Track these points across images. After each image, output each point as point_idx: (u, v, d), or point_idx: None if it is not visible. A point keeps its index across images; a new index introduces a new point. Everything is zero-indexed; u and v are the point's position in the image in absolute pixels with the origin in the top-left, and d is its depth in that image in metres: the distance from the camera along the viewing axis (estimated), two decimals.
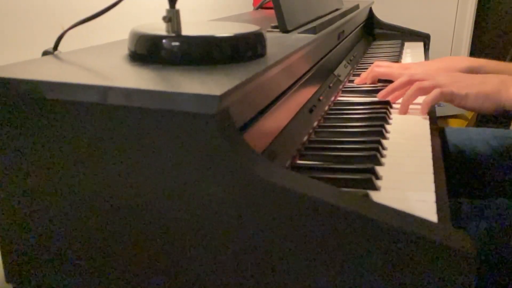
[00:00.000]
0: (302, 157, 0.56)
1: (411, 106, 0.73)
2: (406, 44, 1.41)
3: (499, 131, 0.89)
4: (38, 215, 0.45)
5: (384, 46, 1.35)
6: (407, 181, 0.49)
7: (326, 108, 0.74)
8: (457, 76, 0.69)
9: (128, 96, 0.38)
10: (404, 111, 0.71)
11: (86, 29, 0.56)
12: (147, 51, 0.48)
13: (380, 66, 0.87)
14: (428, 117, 0.70)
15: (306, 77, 0.67)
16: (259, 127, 0.47)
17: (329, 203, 0.34)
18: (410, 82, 0.72)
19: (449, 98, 0.66)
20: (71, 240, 0.45)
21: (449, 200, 0.45)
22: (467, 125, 1.78)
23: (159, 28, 0.49)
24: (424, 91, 0.69)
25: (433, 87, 0.68)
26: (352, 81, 0.90)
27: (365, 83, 0.88)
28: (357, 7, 1.23)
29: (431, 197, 0.45)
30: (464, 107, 0.66)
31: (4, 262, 0.49)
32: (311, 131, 0.64)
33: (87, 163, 0.41)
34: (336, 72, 0.89)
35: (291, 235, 0.36)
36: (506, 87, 0.63)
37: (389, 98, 0.76)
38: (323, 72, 0.80)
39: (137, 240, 0.42)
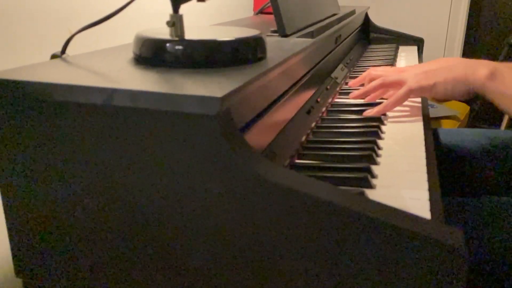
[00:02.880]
0: (300, 156, 0.56)
1: (402, 109, 0.72)
2: (401, 47, 1.41)
3: (490, 131, 0.89)
4: (46, 212, 0.45)
5: (380, 49, 1.35)
6: (402, 180, 0.49)
7: (324, 109, 0.74)
8: (422, 67, 0.68)
9: (133, 98, 0.38)
10: (357, 96, 0.70)
11: (93, 34, 0.56)
12: (151, 54, 0.48)
13: (376, 70, 0.87)
14: (421, 118, 0.70)
15: (304, 79, 0.67)
16: (259, 127, 0.47)
17: (327, 201, 0.34)
18: (382, 86, 0.72)
19: (420, 92, 0.65)
20: (78, 236, 0.45)
21: (442, 198, 0.45)
22: (459, 126, 1.78)
23: (163, 32, 0.49)
24: (389, 85, 0.69)
25: (399, 82, 0.67)
26: (347, 84, 0.90)
27: (359, 86, 0.88)
28: (353, 12, 1.23)
29: (425, 195, 0.45)
30: (436, 98, 0.64)
31: (14, 257, 0.49)
32: (309, 131, 0.64)
33: (94, 162, 0.41)
34: (333, 75, 0.89)
35: (290, 232, 0.36)
36: (472, 70, 0.61)
37: (362, 99, 0.75)
38: (320, 75, 0.80)
39: (140, 237, 0.42)
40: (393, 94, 0.68)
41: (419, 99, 0.80)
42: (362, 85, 0.88)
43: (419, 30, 2.01)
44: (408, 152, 0.57)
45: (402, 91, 0.66)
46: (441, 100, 0.66)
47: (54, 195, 0.44)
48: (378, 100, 0.75)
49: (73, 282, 0.47)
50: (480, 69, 0.61)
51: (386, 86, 0.71)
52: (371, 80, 0.85)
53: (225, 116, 0.37)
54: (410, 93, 0.65)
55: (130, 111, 0.38)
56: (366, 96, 0.74)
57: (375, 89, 0.72)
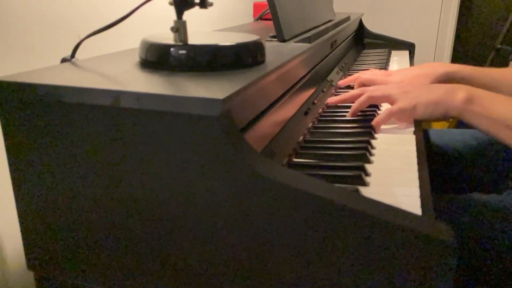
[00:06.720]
0: (298, 155, 0.56)
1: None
2: (393, 52, 1.41)
3: (478, 132, 0.89)
4: (57, 208, 0.45)
5: (373, 54, 1.34)
6: (394, 178, 0.49)
7: (320, 110, 0.74)
8: (406, 88, 0.66)
9: (139, 99, 0.38)
10: (351, 115, 0.69)
11: (101, 39, 0.56)
12: (156, 58, 0.48)
13: (365, 74, 0.86)
14: (412, 119, 0.70)
15: (302, 82, 0.67)
16: (258, 128, 0.47)
17: (323, 198, 0.34)
18: (370, 101, 0.70)
19: (399, 115, 0.64)
20: (87, 230, 0.45)
21: (432, 195, 0.45)
22: (449, 127, 1.78)
23: (168, 37, 0.49)
24: (374, 99, 0.68)
25: (383, 97, 0.66)
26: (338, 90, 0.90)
27: (348, 85, 0.88)
28: (348, 18, 1.23)
29: (416, 192, 0.45)
30: (415, 118, 0.64)
31: (25, 251, 0.49)
32: (306, 131, 0.64)
33: (101, 161, 0.41)
34: (329, 78, 0.89)
35: (288, 227, 0.36)
36: (451, 95, 0.61)
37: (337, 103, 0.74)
38: (317, 78, 0.80)
39: (144, 232, 0.42)
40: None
41: None
42: (349, 87, 0.88)
43: (411, 35, 2.01)
44: (400, 151, 0.57)
45: (384, 114, 0.64)
46: (420, 120, 0.65)
47: (64, 191, 0.44)
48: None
49: (83, 275, 0.47)
50: (458, 93, 0.61)
51: (374, 101, 0.70)
52: (360, 84, 0.83)
53: (226, 117, 0.37)
54: (391, 115, 0.64)
55: (136, 112, 0.38)
56: (358, 111, 0.72)
57: (364, 104, 0.70)
